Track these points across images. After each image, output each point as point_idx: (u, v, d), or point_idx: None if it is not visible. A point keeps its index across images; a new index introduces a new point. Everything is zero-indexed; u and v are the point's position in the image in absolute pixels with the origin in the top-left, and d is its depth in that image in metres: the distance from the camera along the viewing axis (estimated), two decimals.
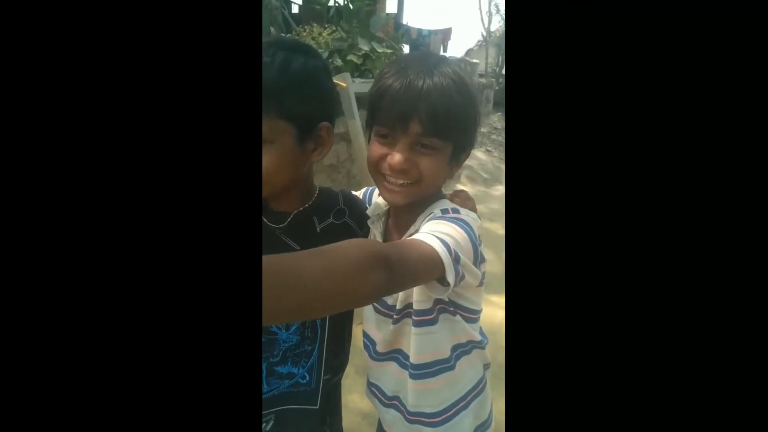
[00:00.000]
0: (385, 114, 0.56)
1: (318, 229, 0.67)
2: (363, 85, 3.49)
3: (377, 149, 0.58)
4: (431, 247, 0.48)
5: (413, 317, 0.61)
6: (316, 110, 0.59)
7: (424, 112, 0.53)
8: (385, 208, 0.68)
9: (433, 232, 0.51)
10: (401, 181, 0.57)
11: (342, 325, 0.74)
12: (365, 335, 0.73)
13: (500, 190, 5.01)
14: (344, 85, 3.10)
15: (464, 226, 0.54)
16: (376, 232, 0.67)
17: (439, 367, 0.63)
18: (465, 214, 0.58)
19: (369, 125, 0.61)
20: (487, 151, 6.80)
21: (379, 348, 0.68)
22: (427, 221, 0.56)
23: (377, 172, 0.59)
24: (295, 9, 8.26)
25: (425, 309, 0.61)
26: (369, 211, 0.68)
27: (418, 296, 0.60)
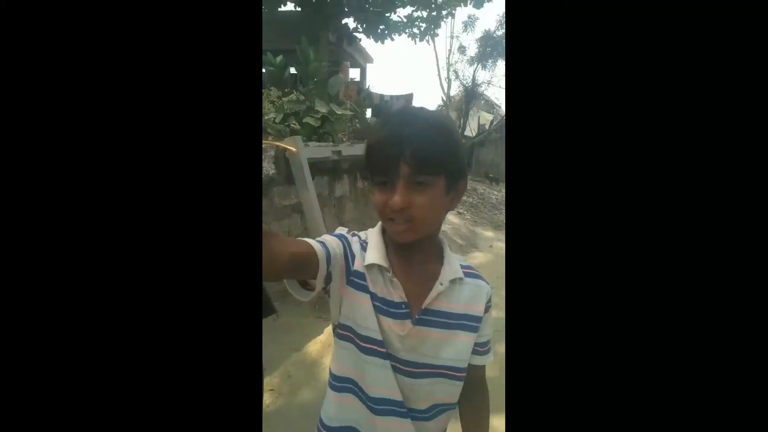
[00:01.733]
0: (378, 164, 0.65)
1: None
2: (319, 150, 3.34)
3: (380, 197, 0.66)
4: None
5: (450, 372, 0.72)
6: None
7: (409, 154, 0.62)
8: (384, 260, 0.71)
9: (489, 345, 0.77)
10: (405, 218, 0.64)
11: None
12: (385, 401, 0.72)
13: (478, 257, 4.79)
14: (294, 150, 2.87)
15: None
16: (392, 286, 0.70)
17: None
18: (479, 277, 0.77)
19: (370, 179, 0.69)
20: (459, 213, 6.74)
21: (418, 404, 0.72)
22: (474, 307, 0.73)
23: (384, 217, 0.67)
24: None
25: (461, 368, 0.73)
26: (377, 260, 0.70)
27: (453, 355, 0.72)
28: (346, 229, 0.76)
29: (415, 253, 0.71)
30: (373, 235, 0.74)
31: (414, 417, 0.71)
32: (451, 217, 6.11)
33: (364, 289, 0.69)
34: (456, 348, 0.71)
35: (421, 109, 0.69)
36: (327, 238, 0.71)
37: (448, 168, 0.65)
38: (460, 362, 0.72)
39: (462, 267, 0.73)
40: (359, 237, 0.75)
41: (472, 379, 0.76)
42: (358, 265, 0.70)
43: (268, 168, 2.80)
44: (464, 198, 7.78)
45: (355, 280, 0.70)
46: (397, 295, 0.69)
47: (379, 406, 0.70)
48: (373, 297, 0.69)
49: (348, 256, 0.70)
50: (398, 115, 0.68)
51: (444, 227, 5.20)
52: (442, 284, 0.69)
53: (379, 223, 0.75)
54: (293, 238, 0.67)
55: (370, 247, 0.72)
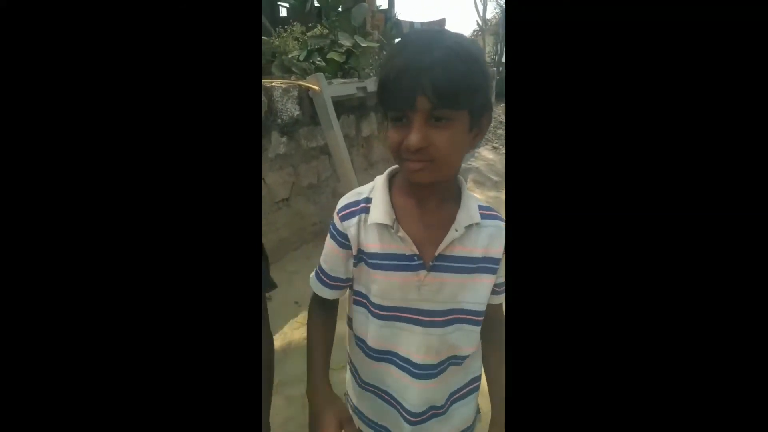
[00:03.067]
0: (393, 97, 0.59)
1: None
2: (344, 87, 3.24)
3: (394, 134, 0.61)
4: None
5: (471, 316, 0.72)
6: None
7: (428, 86, 0.56)
8: (393, 214, 0.69)
9: (503, 287, 0.75)
10: (423, 158, 0.60)
11: None
12: (401, 358, 0.73)
13: None
14: (317, 88, 2.80)
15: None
16: (401, 241, 0.68)
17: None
18: (498, 217, 0.73)
19: (384, 113, 0.65)
20: (494, 148, 6.53)
21: (429, 359, 0.72)
22: (487, 246, 0.71)
23: (399, 157, 0.63)
24: (283, 12, 8.30)
25: (481, 311, 0.73)
26: (380, 219, 0.68)
27: (473, 299, 0.72)
28: (337, 209, 0.73)
29: (431, 196, 0.68)
30: (378, 189, 0.71)
31: (422, 376, 0.72)
32: (486, 153, 5.96)
33: (378, 267, 0.69)
34: (476, 291, 0.71)
35: (442, 32, 0.61)
36: (326, 257, 0.74)
37: (473, 102, 0.60)
38: (479, 305, 0.72)
39: (480, 208, 0.71)
40: (357, 201, 0.71)
41: (493, 317, 0.77)
42: (365, 246, 0.69)
43: (292, 109, 2.77)
44: (500, 132, 7.52)
45: (366, 259, 0.70)
46: (407, 249, 0.68)
47: (378, 355, 0.74)
48: (385, 257, 0.69)
49: (350, 246, 0.70)
50: (416, 40, 0.60)
51: (477, 163, 5.12)
52: (457, 230, 0.67)
53: (386, 172, 0.72)
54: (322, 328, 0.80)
55: (374, 205, 0.69)
